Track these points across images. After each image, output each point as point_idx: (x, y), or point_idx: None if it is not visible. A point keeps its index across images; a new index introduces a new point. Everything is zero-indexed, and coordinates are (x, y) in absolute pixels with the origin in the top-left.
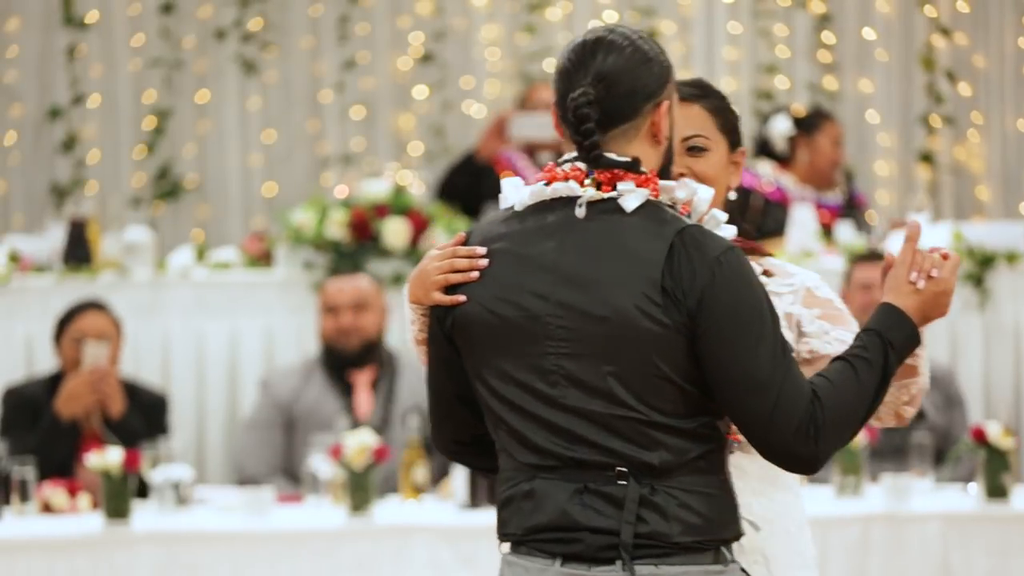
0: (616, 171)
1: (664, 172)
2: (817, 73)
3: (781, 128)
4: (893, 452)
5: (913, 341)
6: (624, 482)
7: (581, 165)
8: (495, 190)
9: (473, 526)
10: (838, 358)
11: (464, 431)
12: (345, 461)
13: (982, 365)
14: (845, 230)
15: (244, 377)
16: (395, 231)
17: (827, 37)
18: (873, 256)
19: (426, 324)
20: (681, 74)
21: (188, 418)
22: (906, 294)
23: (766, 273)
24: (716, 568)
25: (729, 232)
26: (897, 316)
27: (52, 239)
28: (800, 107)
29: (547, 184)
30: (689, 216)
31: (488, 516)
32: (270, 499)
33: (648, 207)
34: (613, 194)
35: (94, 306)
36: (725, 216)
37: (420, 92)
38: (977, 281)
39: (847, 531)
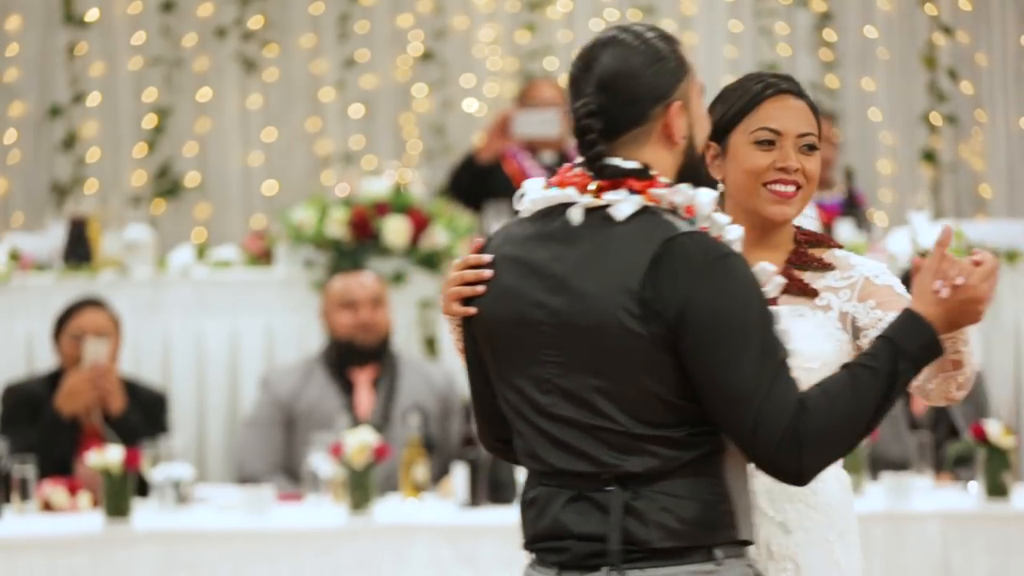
0: (619, 179)
1: (689, 172)
2: (818, 71)
3: None
4: (894, 451)
5: (932, 350)
6: (611, 488)
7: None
8: (500, 188)
9: (473, 525)
10: (844, 366)
11: (506, 430)
12: (345, 460)
13: (982, 364)
14: (845, 229)
15: (244, 376)
16: (395, 229)
17: (828, 35)
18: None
19: (462, 333)
20: None
21: (188, 417)
22: (929, 302)
23: (827, 266)
24: (705, 568)
25: (735, 233)
26: (915, 323)
27: (53, 238)
28: None
29: (551, 189)
30: (693, 220)
31: (487, 514)
32: (270, 498)
33: (644, 214)
34: (604, 202)
35: (93, 303)
36: (728, 219)
37: (420, 91)
38: None
39: None
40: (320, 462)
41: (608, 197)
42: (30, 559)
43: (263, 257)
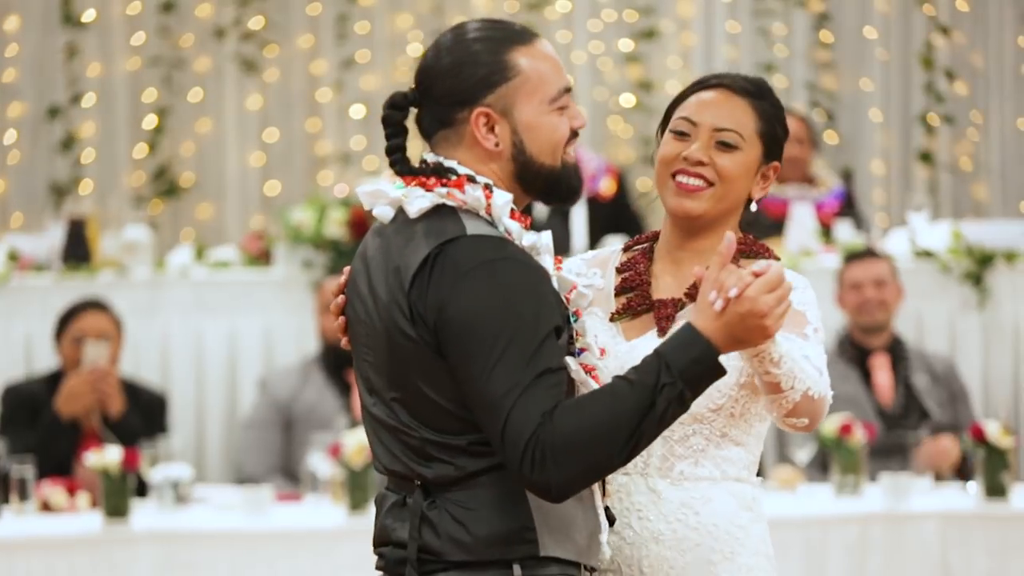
0: (424, 178)
1: (531, 182)
2: (816, 72)
3: None
4: (893, 451)
5: (704, 365)
6: (416, 495)
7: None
8: None
9: None
10: (614, 378)
11: None
12: (344, 460)
13: (981, 364)
14: (844, 229)
15: (243, 376)
16: None
17: (826, 36)
18: (865, 254)
19: None
20: (681, 74)
21: (187, 417)
22: (707, 316)
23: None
24: None
25: (530, 239)
26: (688, 336)
27: (51, 238)
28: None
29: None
30: (492, 221)
31: None
32: (269, 498)
33: (440, 213)
34: (401, 199)
35: (95, 305)
36: (517, 225)
37: None
38: (976, 280)
39: (846, 530)
40: (319, 462)
41: (399, 192)
42: (29, 559)
43: (262, 258)
